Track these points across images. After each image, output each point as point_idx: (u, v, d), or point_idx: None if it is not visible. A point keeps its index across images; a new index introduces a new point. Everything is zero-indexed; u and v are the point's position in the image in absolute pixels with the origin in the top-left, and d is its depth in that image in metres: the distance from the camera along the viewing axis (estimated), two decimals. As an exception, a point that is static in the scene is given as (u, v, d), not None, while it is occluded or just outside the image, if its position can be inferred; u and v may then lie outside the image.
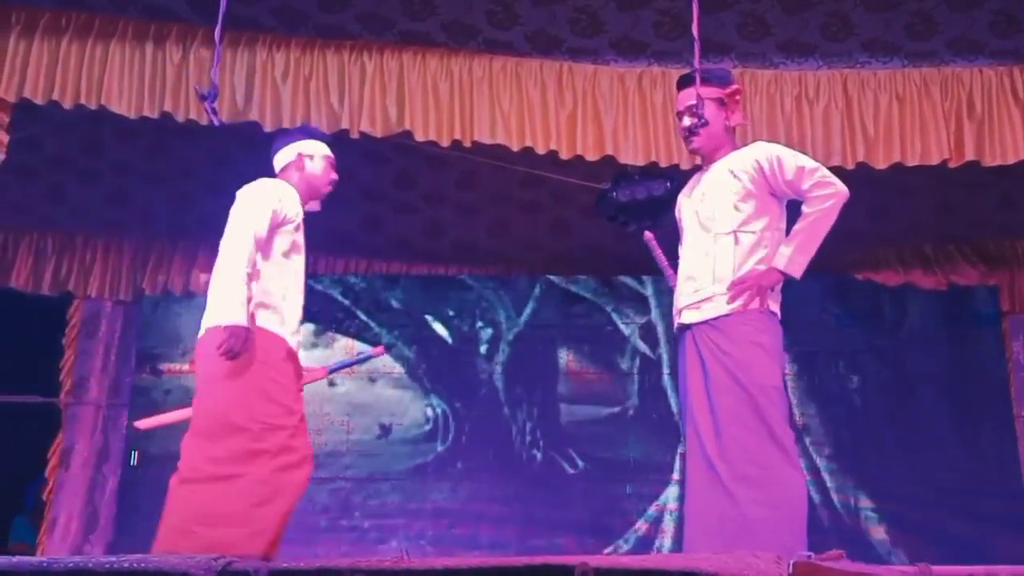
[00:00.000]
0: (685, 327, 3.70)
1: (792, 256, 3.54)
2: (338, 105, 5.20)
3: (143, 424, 5.34)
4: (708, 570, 2.20)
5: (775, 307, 3.63)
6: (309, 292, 7.29)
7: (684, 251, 3.80)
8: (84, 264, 7.21)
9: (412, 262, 7.54)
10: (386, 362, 7.31)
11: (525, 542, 6.77)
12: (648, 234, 4.10)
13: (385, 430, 7.17)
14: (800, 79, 5.39)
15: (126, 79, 5.11)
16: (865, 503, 6.97)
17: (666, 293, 5.99)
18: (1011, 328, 7.27)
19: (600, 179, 6.21)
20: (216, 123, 4.06)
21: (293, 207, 4.07)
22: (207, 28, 4.90)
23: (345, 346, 7.34)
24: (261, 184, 4.06)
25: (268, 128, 5.17)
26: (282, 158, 4.28)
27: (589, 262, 7.41)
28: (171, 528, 3.57)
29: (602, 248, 7.12)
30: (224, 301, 3.75)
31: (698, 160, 4.02)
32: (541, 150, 5.30)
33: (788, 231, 3.69)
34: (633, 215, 6.16)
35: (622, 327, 7.44)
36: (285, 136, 4.38)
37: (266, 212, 3.93)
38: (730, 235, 3.64)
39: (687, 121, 3.78)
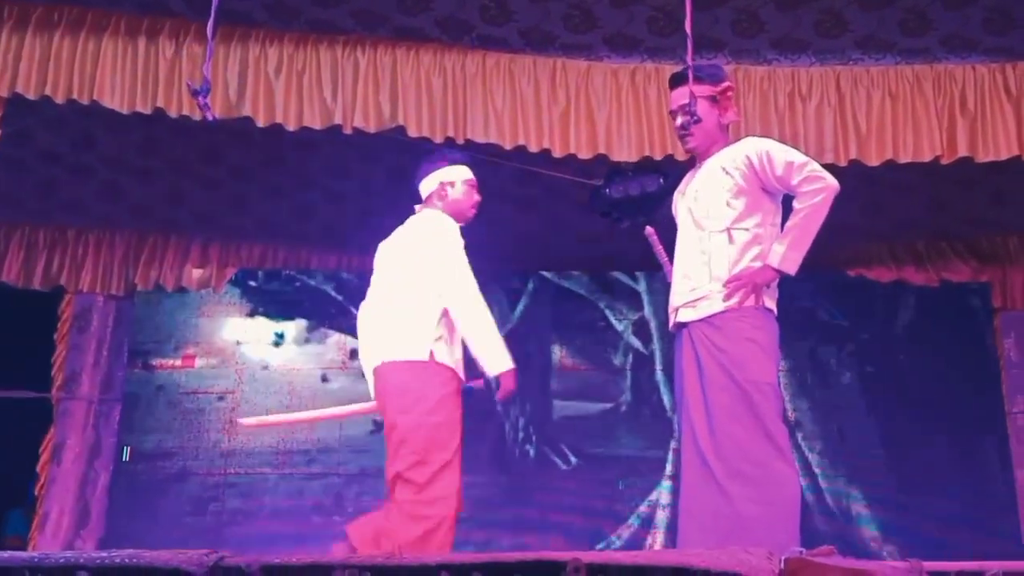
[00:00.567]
0: (681, 325, 3.70)
1: (786, 253, 3.54)
2: (331, 100, 5.19)
3: (248, 422, 5.56)
4: (700, 566, 2.21)
5: (771, 304, 3.63)
6: (302, 288, 7.39)
7: (679, 249, 3.80)
8: (76, 258, 7.19)
9: (405, 257, 7.53)
10: (379, 358, 7.30)
11: (517, 538, 6.77)
12: (649, 229, 4.10)
13: (378, 426, 7.12)
14: (793, 76, 5.39)
15: (119, 74, 5.09)
16: (857, 499, 6.98)
17: (659, 289, 6.01)
18: (1003, 325, 7.29)
19: (594, 175, 6.21)
20: (209, 118, 4.04)
21: None
22: (200, 23, 4.89)
23: (338, 342, 7.33)
24: (446, 221, 4.27)
25: (261, 123, 5.16)
26: (425, 188, 4.46)
27: (582, 258, 7.41)
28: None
29: (595, 244, 7.12)
30: (497, 349, 4.04)
31: (690, 156, 4.01)
32: (534, 148, 5.30)
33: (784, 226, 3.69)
34: (626, 211, 6.17)
35: (615, 323, 7.45)
36: (427, 164, 4.50)
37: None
38: (724, 233, 3.64)
39: (680, 120, 3.77)
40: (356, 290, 7.41)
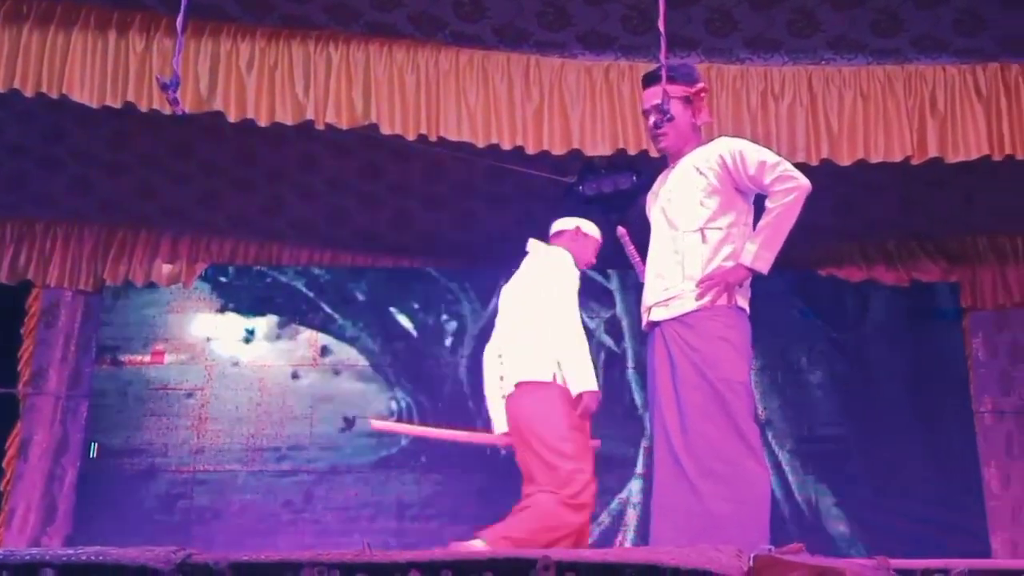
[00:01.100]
0: (654, 324, 3.70)
1: (758, 252, 3.55)
2: (303, 96, 5.17)
3: (378, 425, 5.68)
4: (669, 563, 2.21)
5: (744, 303, 3.64)
6: (272, 284, 7.35)
7: (652, 249, 3.80)
8: (44, 252, 7.13)
9: (377, 254, 7.51)
10: (350, 354, 7.28)
11: (488, 535, 6.76)
12: (621, 229, 4.11)
13: (349, 423, 7.14)
14: (766, 75, 5.42)
15: (88, 68, 5.06)
16: (826, 497, 7.02)
17: (631, 287, 6.01)
18: (971, 325, 7.35)
19: (567, 173, 6.22)
20: (178, 113, 4.01)
21: None
22: (171, 17, 4.85)
23: (309, 339, 7.30)
24: (568, 259, 4.71)
25: (232, 119, 5.13)
26: (561, 225, 4.90)
27: (555, 256, 7.40)
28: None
29: (568, 242, 7.11)
30: (584, 371, 4.38)
31: (662, 155, 4.01)
32: (507, 145, 5.30)
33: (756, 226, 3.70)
34: (599, 208, 6.18)
35: (587, 320, 7.41)
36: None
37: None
38: (697, 232, 3.64)
39: (653, 119, 3.77)
40: (327, 286, 7.42)
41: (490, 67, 5.32)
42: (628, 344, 7.32)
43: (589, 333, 7.33)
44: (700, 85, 3.88)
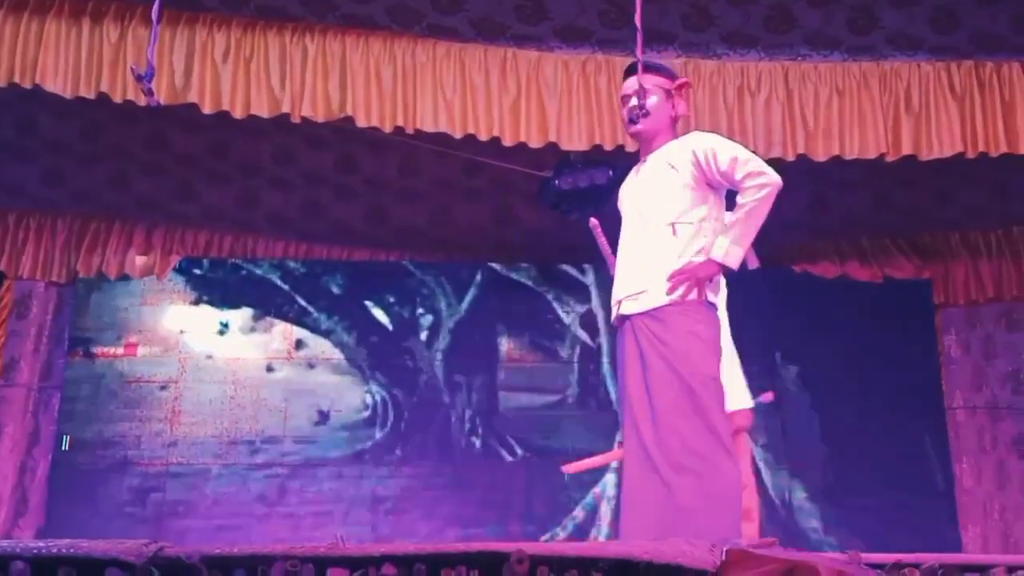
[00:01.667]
0: (624, 318, 3.71)
1: (729, 247, 3.56)
2: (279, 88, 5.15)
3: (572, 468, 5.66)
4: (643, 557, 2.21)
5: (714, 298, 3.65)
6: (247, 276, 7.32)
7: (623, 242, 3.80)
8: (16, 243, 7.08)
9: (353, 247, 7.49)
10: (325, 348, 7.26)
11: (463, 529, 6.77)
12: (593, 220, 4.10)
13: (323, 416, 7.12)
14: (742, 70, 5.44)
15: (62, 58, 5.03)
16: (799, 492, 7.05)
17: (607, 282, 6.02)
18: (943, 321, 7.40)
19: (543, 167, 6.22)
20: (153, 104, 3.99)
21: None
22: (146, 6, 4.82)
23: (283, 331, 7.27)
24: None
25: (207, 110, 5.11)
26: None
27: (531, 250, 7.41)
28: None
29: (544, 236, 7.13)
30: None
31: (636, 147, 4.02)
32: (484, 137, 5.30)
33: (727, 221, 3.71)
34: (575, 203, 6.18)
35: (563, 315, 7.46)
36: None
37: None
38: (668, 227, 3.65)
39: (633, 102, 3.77)
40: (302, 279, 7.40)
41: (467, 59, 5.32)
42: (603, 339, 7.33)
43: (564, 327, 7.44)
44: (681, 80, 3.90)
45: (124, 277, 7.22)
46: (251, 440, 7.01)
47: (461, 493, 7.00)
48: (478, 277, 7.50)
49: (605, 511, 6.99)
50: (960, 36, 5.26)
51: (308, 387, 7.19)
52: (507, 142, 5.31)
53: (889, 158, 5.36)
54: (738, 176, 3.61)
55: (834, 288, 7.45)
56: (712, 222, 3.68)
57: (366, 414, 7.14)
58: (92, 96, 5.03)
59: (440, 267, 7.51)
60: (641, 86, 3.69)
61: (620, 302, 3.73)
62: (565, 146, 5.37)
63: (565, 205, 6.30)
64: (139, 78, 3.57)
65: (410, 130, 5.24)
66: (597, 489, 7.04)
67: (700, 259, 3.59)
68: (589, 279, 7.46)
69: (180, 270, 7.31)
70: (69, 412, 6.99)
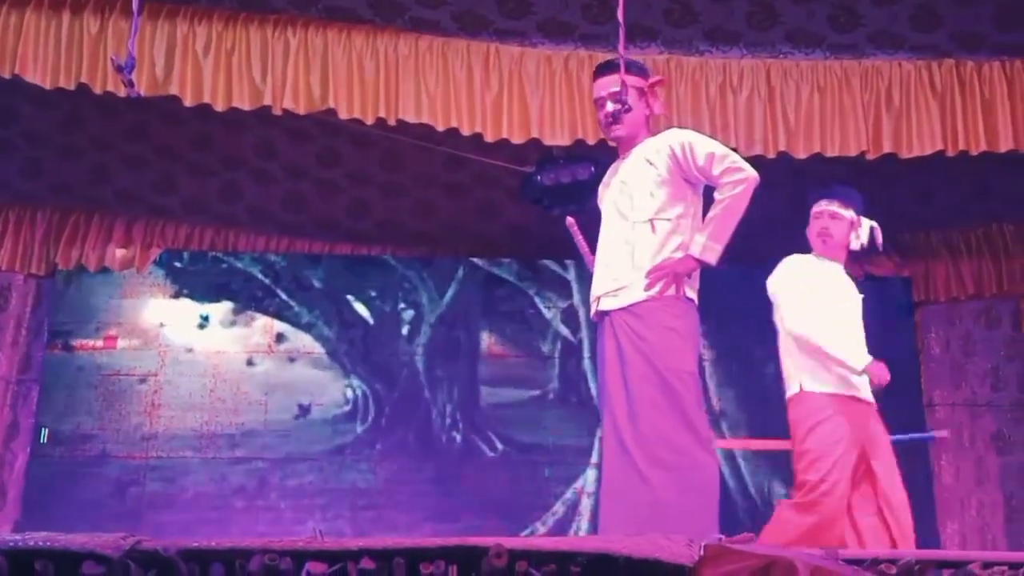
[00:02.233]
0: (603, 314, 3.72)
1: (706, 243, 3.59)
2: (260, 81, 5.14)
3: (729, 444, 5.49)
4: (621, 552, 2.22)
5: (692, 294, 3.68)
6: (228, 269, 7.29)
7: (602, 238, 3.83)
8: (-5, 235, 7.03)
9: (335, 241, 7.47)
10: (306, 342, 7.24)
11: (443, 524, 6.76)
12: (569, 219, 4.11)
13: (304, 410, 7.10)
14: (725, 67, 5.45)
15: (42, 48, 5.01)
16: (779, 488, 7.07)
17: (588, 278, 6.02)
18: (924, 319, 7.43)
19: (525, 162, 6.22)
20: (133, 95, 3.97)
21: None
22: (126, -2, 4.80)
23: (264, 325, 7.25)
24: (792, 263, 4.53)
25: (188, 103, 5.09)
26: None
27: (513, 245, 7.41)
28: None
29: (526, 231, 7.12)
30: (847, 355, 4.26)
31: (615, 144, 4.03)
32: (466, 131, 5.29)
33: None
34: (557, 199, 6.19)
35: (544, 311, 7.46)
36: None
37: None
38: (646, 223, 3.67)
39: (610, 107, 3.79)
40: (284, 272, 7.37)
41: (450, 54, 5.31)
42: (584, 334, 7.33)
43: (546, 323, 7.44)
44: (655, 78, 3.92)
45: (104, 270, 7.17)
46: (231, 434, 6.98)
47: (442, 488, 6.99)
48: (460, 272, 7.50)
49: (585, 506, 7.00)
50: (941, 35, 5.29)
51: (289, 381, 7.17)
52: (489, 137, 5.31)
53: (870, 156, 5.38)
54: (715, 172, 3.64)
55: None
56: (690, 219, 3.70)
57: (347, 408, 7.13)
58: (72, 87, 5.01)
59: (422, 262, 7.50)
60: (624, 84, 3.69)
61: (599, 298, 3.75)
62: (548, 141, 5.37)
63: (547, 200, 6.30)
64: (119, 69, 3.56)
65: (392, 122, 5.24)
66: (577, 484, 7.04)
67: (678, 255, 3.61)
68: (571, 275, 7.46)
69: (160, 263, 7.27)
70: (48, 405, 6.95)
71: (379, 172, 6.76)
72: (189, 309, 7.25)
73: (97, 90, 5.00)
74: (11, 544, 2.34)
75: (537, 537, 6.45)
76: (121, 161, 6.62)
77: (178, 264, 7.35)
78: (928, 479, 7.06)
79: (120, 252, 7.17)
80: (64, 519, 6.32)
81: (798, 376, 4.25)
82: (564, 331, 7.41)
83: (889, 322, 7.43)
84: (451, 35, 5.34)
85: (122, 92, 4.80)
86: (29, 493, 6.78)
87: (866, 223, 4.49)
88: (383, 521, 6.84)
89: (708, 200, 3.75)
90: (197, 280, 7.32)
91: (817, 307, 4.25)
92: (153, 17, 5.07)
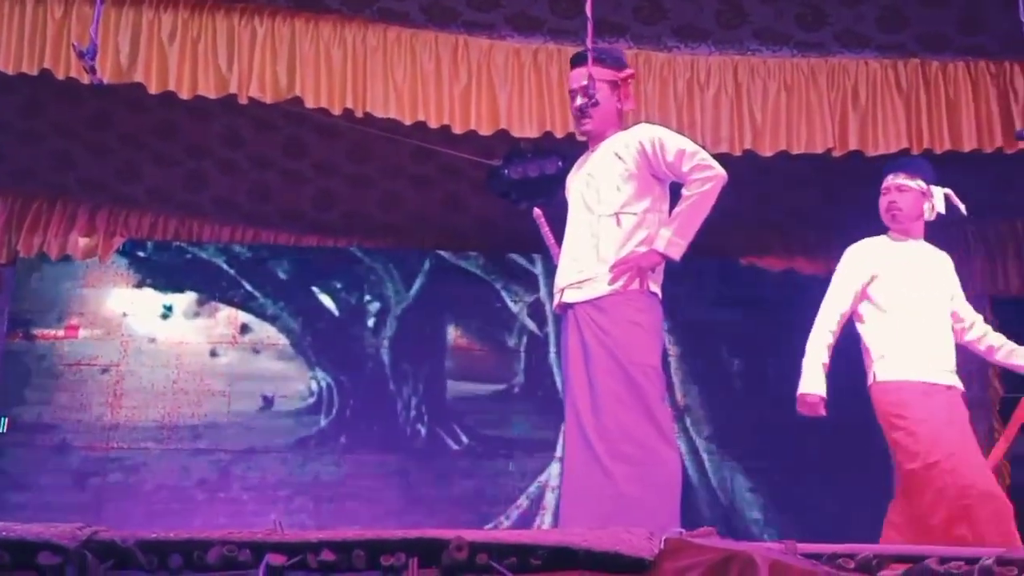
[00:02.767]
0: (567, 306, 3.73)
1: (671, 238, 3.59)
2: (226, 69, 5.10)
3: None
4: (581, 545, 2.22)
5: (656, 288, 3.68)
6: (192, 260, 7.24)
7: (568, 231, 3.83)
8: (-45, 223, 6.94)
9: (301, 232, 7.42)
10: (270, 333, 7.21)
11: (407, 517, 6.75)
12: (537, 210, 4.11)
13: (268, 402, 7.08)
14: (692, 64, 5.46)
15: (4, 33, 4.95)
16: (741, 483, 7.12)
17: (555, 271, 6.03)
18: (884, 317, 7.47)
19: (493, 155, 6.21)
20: (95, 82, 3.93)
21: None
22: (91, -17, 4.75)
23: (228, 316, 7.21)
24: (850, 250, 4.48)
25: (153, 90, 5.05)
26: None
27: (480, 238, 7.40)
28: None
29: (493, 225, 7.12)
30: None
31: (585, 138, 4.03)
32: (434, 124, 5.28)
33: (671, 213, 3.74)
34: (524, 192, 6.19)
35: (510, 304, 7.46)
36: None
37: None
38: (612, 217, 3.68)
39: (579, 100, 3.79)
40: (248, 263, 7.33)
41: (418, 45, 5.29)
42: (551, 328, 7.35)
43: (512, 316, 7.44)
44: (628, 71, 3.91)
45: (66, 258, 7.09)
46: (193, 425, 6.95)
47: (406, 481, 6.99)
48: (426, 265, 7.49)
49: (550, 500, 7.01)
50: (907, 35, 5.34)
51: (252, 372, 7.14)
52: (457, 129, 5.30)
53: (836, 153, 5.41)
54: (684, 168, 3.65)
55: (780, 281, 7.50)
56: (656, 213, 3.71)
57: (311, 401, 7.11)
58: (34, 72, 4.95)
59: (388, 254, 7.48)
60: (591, 78, 3.69)
61: (563, 290, 3.75)
62: (516, 133, 5.36)
63: (514, 194, 6.30)
64: (81, 55, 3.53)
65: (359, 114, 5.21)
66: (541, 478, 7.05)
67: (643, 249, 3.62)
68: (538, 268, 7.47)
69: (123, 252, 7.20)
70: (8, 394, 6.88)
71: (346, 163, 6.73)
72: (152, 299, 7.20)
73: (60, 76, 4.95)
74: (-34, 534, 2.31)
75: (498, 530, 6.46)
76: (85, 148, 6.55)
77: (142, 253, 7.29)
78: (888, 476, 7.11)
79: (83, 240, 7.09)
80: (24, 509, 6.29)
81: (872, 367, 4.40)
82: (530, 325, 7.41)
83: (851, 319, 7.49)
84: (420, 27, 5.32)
85: (86, 79, 4.75)
86: (-12, 482, 6.72)
87: (938, 191, 4.29)
88: (346, 514, 6.82)
89: (675, 196, 3.77)
90: (161, 270, 7.27)
91: (841, 302, 4.38)
92: (118, 3, 5.01)
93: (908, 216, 4.29)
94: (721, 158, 3.85)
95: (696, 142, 3.90)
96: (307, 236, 7.41)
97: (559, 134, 5.33)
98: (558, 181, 5.88)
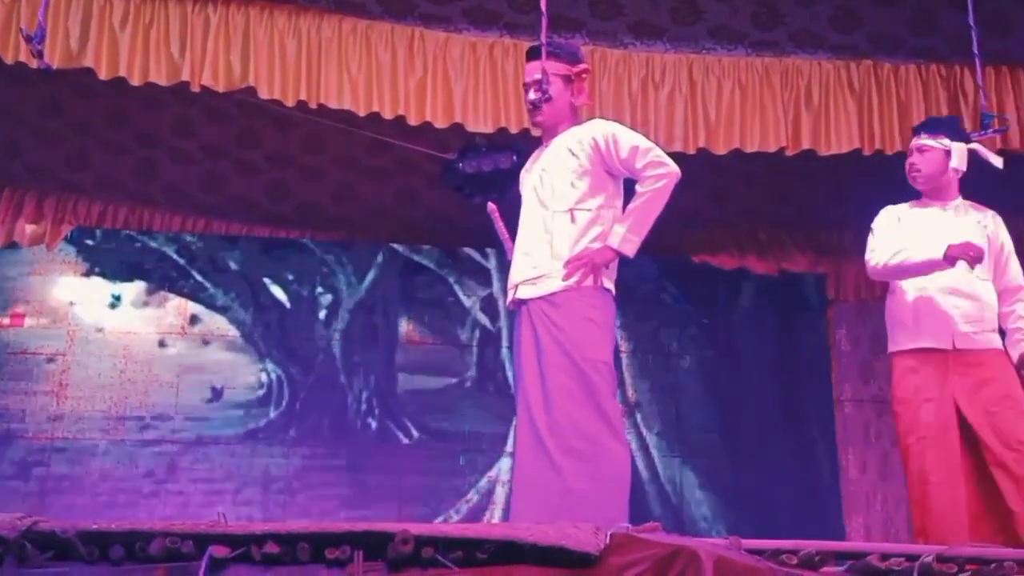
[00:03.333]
0: (520, 302, 3.73)
1: (625, 235, 3.61)
2: (179, 56, 5.04)
3: None
4: (528, 539, 2.22)
5: (609, 284, 3.70)
6: (142, 249, 7.16)
7: (522, 226, 3.83)
8: (-101, 209, 6.81)
9: (253, 223, 7.35)
10: (220, 324, 7.14)
11: (356, 511, 6.73)
12: (491, 205, 4.10)
13: (216, 393, 7.01)
14: (648, 61, 5.48)
15: (-51, 16, 4.85)
16: (691, 480, 7.16)
17: (509, 267, 6.03)
18: (835, 316, 7.55)
19: (448, 149, 6.20)
20: (43, 66, 3.87)
21: None
22: (41, -34, 4.67)
23: (177, 306, 7.13)
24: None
25: (103, 76, 4.98)
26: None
27: (433, 232, 7.38)
28: None
29: (447, 218, 7.10)
30: None
31: (539, 132, 4.03)
32: (389, 115, 5.26)
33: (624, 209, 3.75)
34: (479, 187, 6.17)
35: (463, 299, 7.45)
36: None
37: None
38: (566, 212, 3.68)
39: (532, 94, 3.79)
40: (199, 253, 7.25)
41: (374, 37, 5.27)
42: (503, 323, 7.34)
43: (465, 311, 7.43)
44: (583, 66, 3.92)
45: (13, 245, 6.96)
46: (141, 416, 6.86)
47: (356, 475, 6.96)
48: (379, 257, 7.45)
49: (500, 495, 7.01)
50: (859, 36, 5.40)
51: (201, 363, 7.07)
52: (412, 121, 5.28)
53: (789, 152, 5.46)
54: (638, 165, 3.66)
55: (731, 279, 7.55)
56: (610, 210, 3.72)
57: (261, 392, 7.05)
58: (-18, 57, 4.88)
59: (341, 246, 7.44)
60: (545, 72, 3.70)
61: (517, 286, 3.75)
62: (471, 127, 5.36)
63: (468, 188, 6.28)
64: (28, 39, 3.47)
65: (313, 105, 5.18)
66: (492, 473, 7.05)
67: (597, 245, 3.63)
68: (491, 263, 7.46)
69: (71, 240, 7.10)
70: (-49, 383, 6.78)
71: (300, 154, 6.68)
72: (100, 288, 7.10)
73: (8, 60, 4.87)
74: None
75: (444, 524, 6.45)
76: (33, 135, 6.45)
77: (90, 242, 7.19)
78: (835, 473, 7.20)
79: (30, 227, 6.96)
80: (-34, 500, 6.18)
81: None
82: (483, 319, 7.41)
83: (802, 318, 7.58)
84: (376, 18, 5.30)
85: (35, 64, 4.67)
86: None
87: (959, 147, 4.12)
88: (295, 507, 6.78)
89: (629, 192, 3.77)
90: (109, 258, 7.17)
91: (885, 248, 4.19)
92: (69, -12, 4.95)
93: (929, 177, 4.20)
94: (675, 156, 3.86)
95: (650, 139, 3.91)
96: (259, 227, 7.34)
97: (514, 129, 5.33)
98: (512, 176, 5.87)
